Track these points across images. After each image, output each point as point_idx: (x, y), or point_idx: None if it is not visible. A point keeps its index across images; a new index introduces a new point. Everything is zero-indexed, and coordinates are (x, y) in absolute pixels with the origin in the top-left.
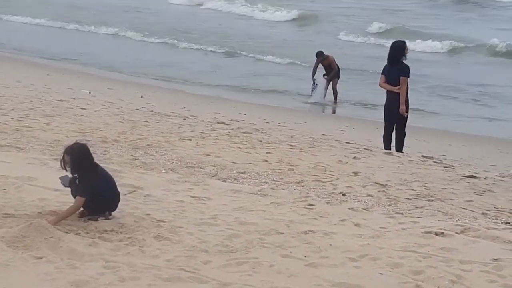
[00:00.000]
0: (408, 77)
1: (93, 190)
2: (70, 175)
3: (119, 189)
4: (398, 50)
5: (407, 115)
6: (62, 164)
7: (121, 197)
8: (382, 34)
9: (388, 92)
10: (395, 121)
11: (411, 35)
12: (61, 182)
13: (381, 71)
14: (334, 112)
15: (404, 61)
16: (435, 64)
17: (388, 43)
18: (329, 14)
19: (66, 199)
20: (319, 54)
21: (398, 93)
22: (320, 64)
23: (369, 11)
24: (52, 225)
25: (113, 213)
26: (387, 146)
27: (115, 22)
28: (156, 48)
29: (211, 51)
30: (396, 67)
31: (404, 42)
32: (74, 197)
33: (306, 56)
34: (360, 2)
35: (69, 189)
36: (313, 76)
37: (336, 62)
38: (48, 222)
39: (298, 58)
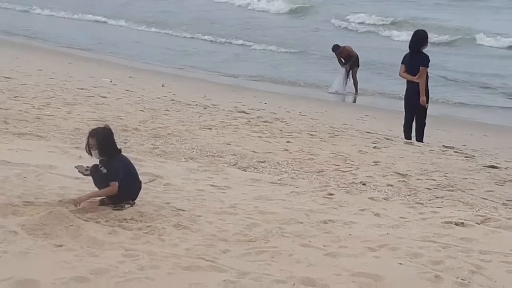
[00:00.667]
0: (428, 67)
1: (124, 172)
2: (85, 166)
3: (140, 177)
4: (420, 39)
5: (427, 106)
6: (87, 149)
7: (142, 185)
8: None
9: (408, 81)
10: (415, 111)
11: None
12: (78, 171)
13: (400, 60)
14: (354, 101)
15: (424, 51)
16: (447, 55)
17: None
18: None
19: (86, 187)
20: (335, 48)
21: (418, 83)
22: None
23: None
24: (74, 210)
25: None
26: (408, 135)
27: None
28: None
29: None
30: (416, 56)
31: (426, 32)
32: (98, 187)
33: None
34: None
35: (88, 178)
36: (342, 66)
37: (355, 50)
38: (78, 198)
39: (309, 48)
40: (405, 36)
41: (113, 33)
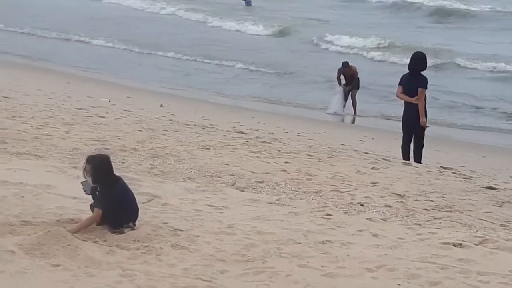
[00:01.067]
0: (426, 88)
1: (112, 202)
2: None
3: (137, 197)
4: (420, 61)
5: (428, 126)
6: (84, 173)
7: (138, 205)
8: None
9: (406, 103)
10: (414, 132)
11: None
12: (83, 188)
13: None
14: (353, 122)
15: (422, 73)
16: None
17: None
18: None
19: (84, 207)
20: (346, 65)
21: (416, 104)
22: (342, 74)
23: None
24: (70, 233)
25: None
26: (406, 156)
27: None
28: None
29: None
30: (414, 78)
31: (425, 54)
32: (92, 209)
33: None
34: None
35: (88, 196)
36: (340, 85)
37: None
38: (67, 231)
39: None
40: (392, 58)
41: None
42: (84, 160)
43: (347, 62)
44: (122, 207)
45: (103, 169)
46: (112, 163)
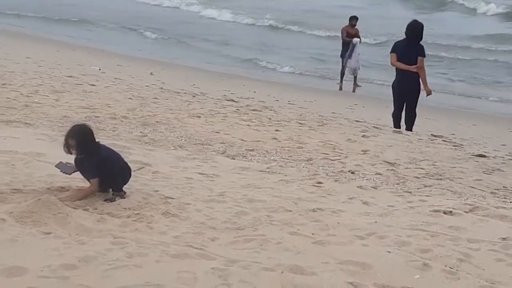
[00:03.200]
0: (425, 57)
1: (104, 166)
2: (64, 162)
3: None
4: (419, 30)
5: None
6: (67, 149)
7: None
8: None
9: (399, 70)
10: (406, 100)
11: None
12: (61, 171)
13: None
14: (354, 91)
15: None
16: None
17: None
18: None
19: (75, 175)
20: (355, 19)
21: (412, 73)
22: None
23: None
24: (60, 201)
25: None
26: (397, 124)
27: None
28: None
29: None
30: (413, 46)
31: (422, 24)
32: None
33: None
34: None
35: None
36: (346, 39)
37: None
38: (59, 199)
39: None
40: None
41: None
42: (65, 135)
43: (356, 17)
44: (115, 166)
45: (87, 139)
46: (103, 131)
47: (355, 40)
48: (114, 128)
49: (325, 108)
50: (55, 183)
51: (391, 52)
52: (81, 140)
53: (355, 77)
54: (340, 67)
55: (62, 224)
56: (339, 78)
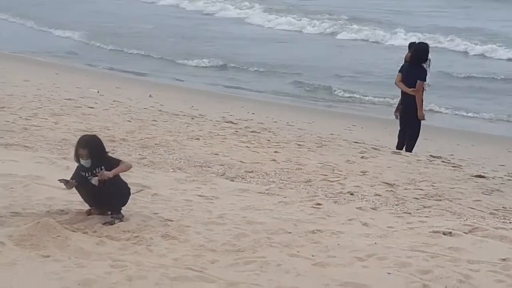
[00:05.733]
0: (425, 81)
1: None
2: (70, 178)
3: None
4: (422, 52)
5: (424, 120)
6: (78, 159)
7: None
8: None
9: (403, 92)
10: (408, 121)
11: None
12: (71, 182)
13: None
14: None
15: (423, 65)
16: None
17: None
18: None
19: (74, 198)
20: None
21: (413, 95)
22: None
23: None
24: (61, 221)
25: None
26: (400, 145)
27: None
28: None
29: None
30: (414, 69)
31: (428, 46)
32: (88, 199)
33: None
34: None
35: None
36: None
37: None
38: (106, 174)
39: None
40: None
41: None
42: (77, 147)
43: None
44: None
45: (101, 148)
46: None
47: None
48: (113, 150)
49: (323, 129)
50: (54, 206)
51: (399, 71)
52: (94, 149)
53: None
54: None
55: (62, 247)
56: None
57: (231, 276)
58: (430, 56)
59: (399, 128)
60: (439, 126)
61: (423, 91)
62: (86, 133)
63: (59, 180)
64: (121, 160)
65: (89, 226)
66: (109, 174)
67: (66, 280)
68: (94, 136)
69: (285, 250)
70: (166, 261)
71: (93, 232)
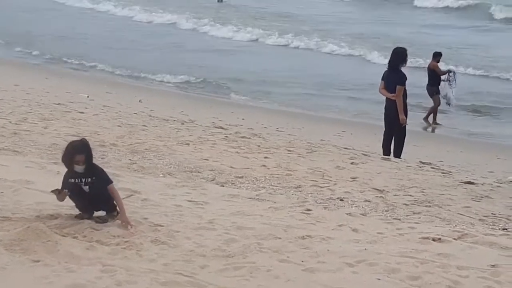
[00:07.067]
0: (404, 85)
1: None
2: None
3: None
4: (399, 56)
5: (407, 123)
6: (73, 167)
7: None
8: None
9: (386, 98)
10: (393, 128)
11: None
12: (65, 193)
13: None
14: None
15: (402, 69)
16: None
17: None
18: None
19: (64, 203)
20: (439, 55)
21: (395, 101)
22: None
23: None
24: (51, 225)
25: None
26: (386, 151)
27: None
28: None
29: None
30: (393, 74)
31: (405, 49)
32: (81, 206)
33: None
34: None
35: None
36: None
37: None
38: (123, 221)
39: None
40: None
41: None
42: (72, 152)
43: (439, 53)
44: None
45: (91, 154)
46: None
47: (452, 68)
48: (103, 155)
49: (313, 135)
50: (44, 211)
51: (381, 79)
52: (90, 154)
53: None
54: (435, 104)
55: (51, 252)
56: (433, 117)
57: (221, 281)
58: (454, 68)
59: (382, 138)
60: (428, 132)
61: (405, 95)
62: (75, 138)
63: (51, 191)
64: (108, 176)
65: (79, 231)
66: (125, 217)
67: (56, 285)
68: (86, 140)
69: (275, 255)
70: (156, 266)
71: (83, 237)
